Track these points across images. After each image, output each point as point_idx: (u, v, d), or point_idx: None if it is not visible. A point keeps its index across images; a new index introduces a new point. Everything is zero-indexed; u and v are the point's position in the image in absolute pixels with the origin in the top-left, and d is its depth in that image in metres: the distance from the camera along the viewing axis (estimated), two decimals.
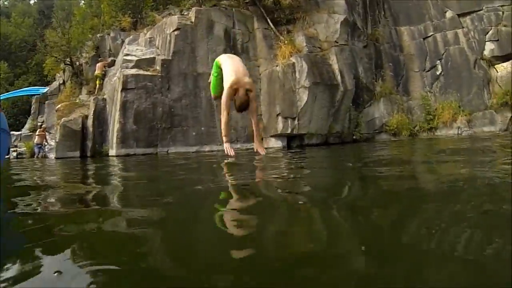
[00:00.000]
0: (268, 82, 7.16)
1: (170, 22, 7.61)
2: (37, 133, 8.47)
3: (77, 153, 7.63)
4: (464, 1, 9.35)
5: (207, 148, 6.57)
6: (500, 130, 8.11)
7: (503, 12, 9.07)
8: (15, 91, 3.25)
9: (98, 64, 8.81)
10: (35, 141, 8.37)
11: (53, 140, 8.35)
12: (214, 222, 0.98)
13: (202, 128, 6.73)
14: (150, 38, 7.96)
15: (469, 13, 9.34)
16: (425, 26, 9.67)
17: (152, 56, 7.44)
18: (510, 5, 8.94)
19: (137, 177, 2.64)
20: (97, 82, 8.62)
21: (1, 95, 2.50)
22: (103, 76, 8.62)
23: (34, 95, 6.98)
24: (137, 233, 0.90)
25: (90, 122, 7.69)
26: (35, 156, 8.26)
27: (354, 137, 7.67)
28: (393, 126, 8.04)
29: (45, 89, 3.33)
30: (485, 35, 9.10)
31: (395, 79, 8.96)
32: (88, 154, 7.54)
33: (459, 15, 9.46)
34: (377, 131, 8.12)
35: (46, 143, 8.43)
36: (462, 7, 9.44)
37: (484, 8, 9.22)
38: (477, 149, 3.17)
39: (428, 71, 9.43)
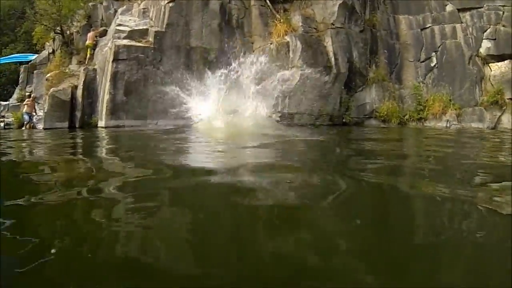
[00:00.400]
0: None
1: None
2: (25, 102, 8.29)
3: (66, 124, 7.53)
4: None
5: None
6: (488, 128, 8.30)
7: (503, 12, 9.12)
8: (2, 58, 3.16)
9: (90, 34, 8.57)
10: (23, 110, 8.21)
11: (42, 110, 8.20)
12: None
13: None
14: (144, 9, 7.75)
15: (469, 9, 9.36)
16: (424, 17, 9.65)
17: (145, 27, 7.28)
18: (511, 6, 8.97)
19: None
20: (88, 52, 8.41)
21: None
22: (94, 46, 8.42)
23: (22, 62, 6.78)
24: None
25: (79, 92, 7.56)
26: (24, 126, 8.11)
27: (344, 120, 7.75)
28: (383, 113, 8.15)
29: (33, 56, 3.27)
30: (483, 32, 9.16)
31: (389, 66, 9.00)
32: (77, 125, 7.45)
33: (459, 10, 9.47)
34: (367, 116, 8.22)
35: (35, 113, 8.27)
36: (463, 3, 9.46)
37: (485, 6, 9.25)
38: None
39: (423, 62, 9.49)
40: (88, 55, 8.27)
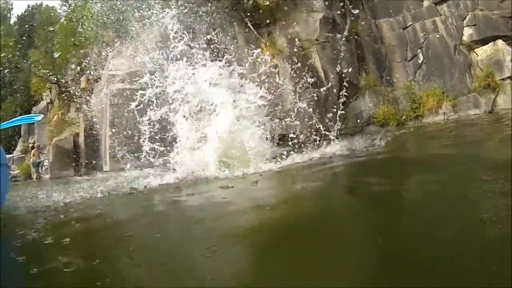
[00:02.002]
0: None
1: (151, 33, 7.68)
2: (32, 152, 8.51)
3: (71, 172, 7.69)
4: None
5: None
6: (485, 112, 8.35)
7: None
8: (8, 121, 3.25)
9: (82, 78, 8.87)
10: (31, 160, 8.42)
11: (47, 160, 8.39)
12: None
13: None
14: (134, 51, 8.01)
15: (445, 1, 9.55)
16: (404, 16, 9.85)
17: (137, 69, 7.50)
18: None
19: None
20: (86, 94, 8.70)
21: None
22: (89, 88, 8.69)
23: (29, 123, 7.05)
24: None
25: (81, 139, 7.76)
26: (34, 177, 8.29)
27: (342, 132, 7.83)
28: (380, 118, 8.24)
29: (39, 117, 3.40)
30: (463, 20, 9.31)
31: (378, 71, 9.14)
32: (82, 171, 7.60)
33: (435, 3, 9.66)
34: (365, 123, 8.31)
35: (44, 160, 8.48)
36: None
37: None
38: None
39: (410, 60, 9.62)
40: (86, 95, 8.57)
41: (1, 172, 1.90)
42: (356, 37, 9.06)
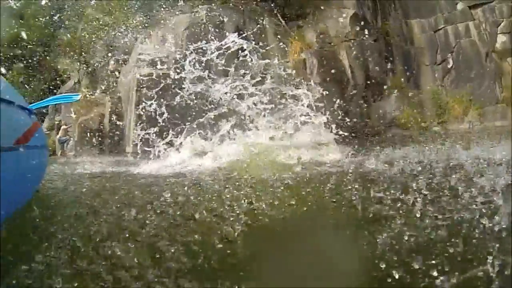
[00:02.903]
0: (280, 77, 7.24)
1: (181, 21, 7.73)
2: (61, 129, 8.81)
3: (95, 151, 7.90)
4: None
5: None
6: None
7: None
8: (46, 99, 3.35)
9: (111, 61, 9.02)
10: (59, 137, 8.74)
11: (72, 139, 8.66)
12: None
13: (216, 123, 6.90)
14: (162, 36, 8.09)
15: (480, 5, 9.20)
16: (436, 18, 9.56)
17: (165, 55, 7.58)
18: None
19: None
20: (113, 76, 8.88)
21: (33, 104, 2.58)
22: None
23: (67, 103, 7.26)
24: None
25: (106, 120, 7.94)
26: (59, 153, 8.60)
27: (365, 131, 7.73)
28: (404, 120, 8.08)
29: (78, 96, 3.46)
30: (497, 27, 8.96)
31: (405, 72, 8.94)
32: (107, 151, 7.81)
33: (470, 7, 9.32)
34: (388, 125, 8.17)
35: (70, 138, 8.77)
36: None
37: None
38: None
39: (439, 64, 9.37)
40: (112, 80, 8.74)
41: (42, 154, 1.88)
42: (386, 36, 8.85)
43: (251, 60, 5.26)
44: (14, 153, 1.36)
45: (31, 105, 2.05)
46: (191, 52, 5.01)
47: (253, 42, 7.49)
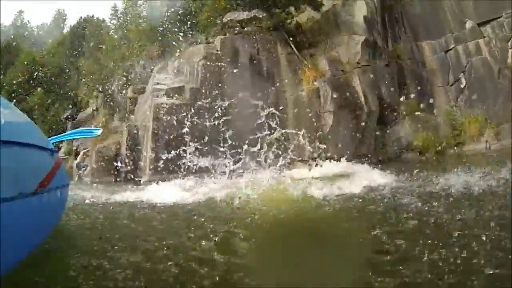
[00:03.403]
0: (294, 106, 7.35)
1: (196, 51, 8.02)
2: (80, 155, 9.06)
3: (111, 178, 8.05)
4: (482, 9, 9.20)
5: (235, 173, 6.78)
6: None
7: None
8: (67, 133, 3.46)
9: (129, 88, 9.35)
10: (78, 160, 8.97)
11: (88, 165, 8.87)
12: None
13: (230, 153, 6.97)
14: (178, 66, 8.38)
15: (489, 21, 9.18)
16: (446, 38, 9.59)
17: (181, 84, 7.83)
18: None
19: None
20: (132, 102, 9.17)
21: (53, 138, 2.65)
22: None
23: (87, 137, 7.51)
24: None
25: (123, 148, 8.14)
26: (76, 177, 8.80)
27: (380, 157, 7.66)
28: (419, 144, 7.97)
29: (99, 131, 3.54)
30: (507, 42, 8.89)
31: (419, 95, 8.89)
32: (122, 179, 7.94)
33: (479, 24, 9.32)
34: (403, 150, 8.07)
35: (87, 164, 8.99)
36: (480, 16, 9.29)
37: (503, 14, 9.03)
38: None
39: (452, 85, 9.30)
40: (130, 106, 9.05)
41: (64, 193, 1.90)
42: (397, 60, 8.91)
43: None
44: (37, 197, 1.39)
45: (51, 138, 2.08)
46: None
47: (266, 72, 7.70)
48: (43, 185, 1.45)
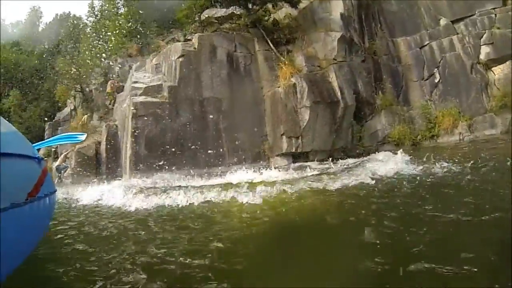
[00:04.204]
0: (272, 103, 7.45)
1: (174, 49, 7.97)
2: (60, 157, 8.84)
3: (92, 178, 7.95)
4: (456, 7, 9.54)
5: (216, 170, 6.85)
6: (501, 133, 8.23)
7: (495, 15, 9.24)
8: (50, 139, 3.40)
9: (109, 82, 9.23)
10: (57, 164, 8.75)
11: (68, 166, 8.71)
12: None
13: (210, 152, 7.02)
14: (156, 64, 8.32)
15: (462, 19, 9.52)
16: (421, 35, 9.89)
17: (159, 82, 7.79)
18: (502, 6, 9.13)
19: None
20: (110, 98, 9.09)
21: (36, 144, 2.60)
22: (114, 94, 9.07)
23: (72, 143, 7.34)
24: None
25: (103, 148, 8.05)
26: (56, 179, 8.59)
27: (357, 151, 7.89)
28: (395, 137, 8.24)
29: (83, 136, 3.48)
30: (480, 39, 9.26)
31: (394, 90, 9.17)
32: (103, 179, 7.85)
33: (452, 22, 9.65)
34: (380, 143, 8.32)
35: (67, 165, 8.78)
36: (455, 13, 9.62)
37: (476, 12, 9.38)
38: None
39: (427, 79, 9.62)
40: (111, 101, 8.93)
41: (52, 199, 1.87)
42: (373, 56, 9.15)
43: None
44: (28, 206, 1.39)
45: (35, 145, 2.04)
46: None
47: (244, 69, 7.77)
48: (32, 194, 1.46)
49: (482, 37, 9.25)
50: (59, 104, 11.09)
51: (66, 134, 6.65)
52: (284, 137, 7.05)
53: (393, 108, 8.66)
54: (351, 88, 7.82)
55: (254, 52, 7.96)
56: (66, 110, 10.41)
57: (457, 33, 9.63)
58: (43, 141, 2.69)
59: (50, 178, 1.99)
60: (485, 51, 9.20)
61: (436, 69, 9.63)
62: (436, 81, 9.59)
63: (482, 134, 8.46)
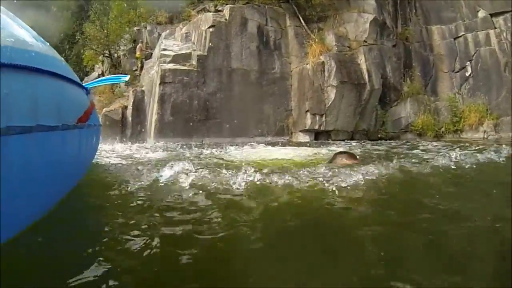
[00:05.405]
0: (299, 79, 7.44)
1: (205, 18, 7.99)
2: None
3: (118, 141, 8.25)
4: (497, 0, 9.07)
5: (239, 140, 7.00)
6: None
7: None
8: (99, 79, 3.61)
9: (138, 46, 9.34)
10: None
11: None
12: None
13: (235, 121, 7.16)
14: (186, 33, 8.37)
15: (502, 13, 9.07)
16: (456, 25, 9.51)
17: (188, 51, 7.87)
18: None
19: None
20: (139, 63, 9.24)
21: (88, 83, 2.79)
22: (142, 59, 9.18)
23: (117, 83, 7.69)
24: None
25: (129, 112, 8.30)
26: None
27: (379, 135, 7.85)
28: (419, 126, 8.14)
29: (127, 77, 3.70)
30: None
31: (423, 79, 8.95)
32: (128, 141, 8.15)
33: (491, 15, 9.21)
34: (402, 130, 8.24)
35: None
36: (494, 7, 9.16)
37: None
38: None
39: (458, 72, 9.33)
40: (139, 65, 9.07)
41: (99, 132, 1.91)
42: (405, 42, 8.89)
43: None
44: (77, 131, 1.40)
45: (86, 84, 2.13)
46: None
47: (273, 43, 7.72)
48: (82, 120, 1.47)
49: None
50: (87, 69, 11.39)
51: (112, 75, 6.92)
52: (308, 113, 7.08)
53: (419, 97, 8.50)
54: (379, 72, 7.70)
55: (285, 27, 7.88)
56: (94, 75, 10.68)
57: (495, 28, 9.20)
58: (91, 82, 2.83)
59: (96, 113, 2.04)
60: None
61: (468, 62, 9.30)
62: (467, 74, 9.29)
63: (507, 136, 8.23)
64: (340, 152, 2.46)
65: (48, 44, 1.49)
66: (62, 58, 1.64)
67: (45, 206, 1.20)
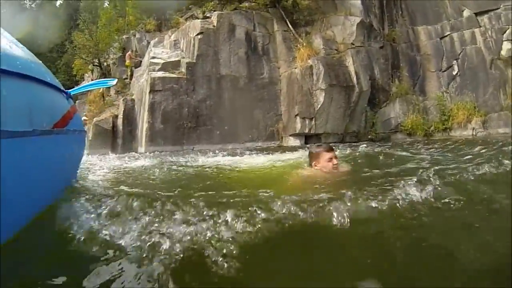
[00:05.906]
0: (288, 83, 7.50)
1: (193, 26, 8.02)
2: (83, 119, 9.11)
3: (108, 151, 8.21)
4: None
5: (230, 146, 7.01)
6: None
7: None
8: (84, 85, 3.52)
9: (127, 54, 9.32)
10: None
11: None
12: None
13: (226, 128, 7.17)
14: (174, 40, 8.39)
15: (486, 12, 9.24)
16: (442, 25, 9.66)
17: (177, 58, 7.88)
18: None
19: None
20: (129, 71, 9.23)
21: (73, 89, 2.72)
22: (132, 67, 9.17)
23: (104, 87, 7.61)
24: None
25: (120, 121, 8.27)
26: None
27: (369, 136, 7.93)
28: (408, 126, 8.24)
29: (114, 81, 3.60)
30: (503, 34, 9.01)
31: (411, 79, 9.07)
32: (119, 151, 8.11)
33: (476, 14, 9.38)
34: (392, 130, 8.34)
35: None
36: (479, 6, 9.33)
37: (501, 6, 9.08)
38: None
39: (445, 71, 9.47)
40: (129, 73, 9.06)
41: (81, 138, 1.81)
42: (392, 43, 9.02)
43: None
44: (53, 137, 1.31)
45: (70, 90, 2.00)
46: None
47: (262, 48, 7.77)
48: (59, 125, 1.36)
49: (505, 32, 8.99)
50: (77, 78, 11.33)
51: (98, 80, 6.85)
52: (298, 117, 7.13)
53: (408, 97, 8.61)
54: (367, 73, 7.79)
55: (272, 32, 7.94)
56: (83, 83, 10.65)
57: (480, 26, 9.36)
58: (78, 87, 2.76)
59: (80, 118, 1.92)
60: (507, 47, 8.95)
61: (455, 61, 9.45)
62: (454, 73, 9.43)
63: (496, 132, 8.37)
64: (319, 145, 2.08)
65: (21, 45, 1.39)
66: (39, 61, 1.54)
67: (10, 226, 1.04)
